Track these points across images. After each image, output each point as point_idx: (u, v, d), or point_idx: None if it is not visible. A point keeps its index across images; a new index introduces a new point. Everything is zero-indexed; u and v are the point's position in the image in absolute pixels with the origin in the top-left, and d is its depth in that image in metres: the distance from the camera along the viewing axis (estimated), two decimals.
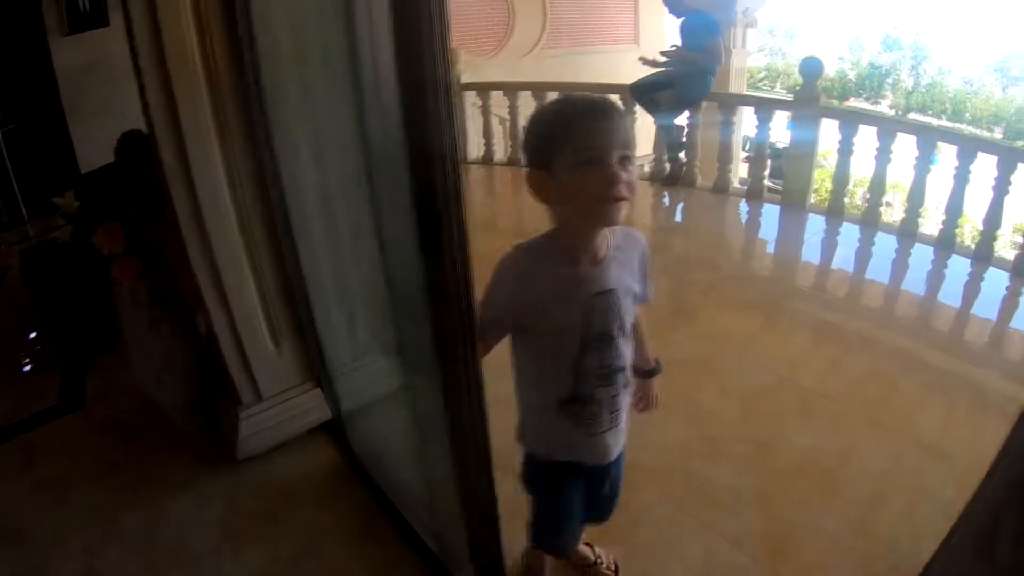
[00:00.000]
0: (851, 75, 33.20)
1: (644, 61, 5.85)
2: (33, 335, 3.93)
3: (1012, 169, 4.47)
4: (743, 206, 5.87)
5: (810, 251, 5.11)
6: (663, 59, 5.67)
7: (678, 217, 5.92)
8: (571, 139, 1.25)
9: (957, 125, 26.10)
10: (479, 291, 1.35)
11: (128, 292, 2.49)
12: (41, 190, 7.54)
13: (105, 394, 3.23)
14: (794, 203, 5.61)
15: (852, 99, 31.83)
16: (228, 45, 2.08)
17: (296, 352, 2.53)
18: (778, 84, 34.78)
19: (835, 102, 28.29)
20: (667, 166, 6.30)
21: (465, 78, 7.70)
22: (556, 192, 1.30)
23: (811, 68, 5.36)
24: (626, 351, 1.50)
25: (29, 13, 7.09)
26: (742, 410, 2.87)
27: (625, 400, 1.57)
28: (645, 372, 1.75)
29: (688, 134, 6.11)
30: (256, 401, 2.49)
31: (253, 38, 2.02)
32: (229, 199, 2.19)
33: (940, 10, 49.46)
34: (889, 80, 31.85)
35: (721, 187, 5.97)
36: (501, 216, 6.16)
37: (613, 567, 2.02)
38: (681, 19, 5.63)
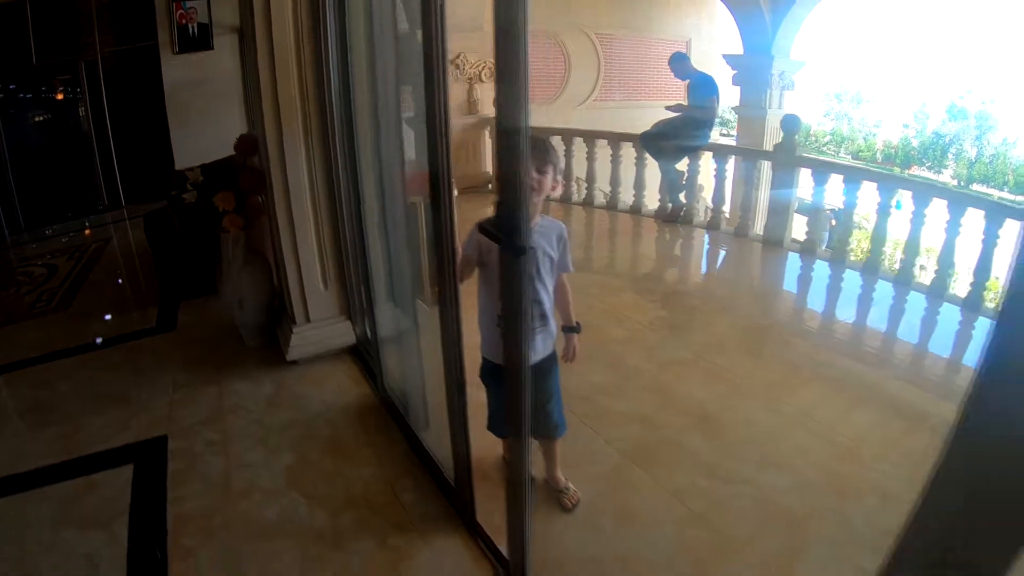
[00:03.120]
0: (915, 143, 33.23)
1: (667, 108, 7.03)
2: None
3: None
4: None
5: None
6: (670, 113, 6.89)
7: (677, 250, 6.93)
8: None
9: (1019, 198, 26.09)
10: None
11: (232, 239, 3.81)
12: (138, 182, 9.17)
13: (194, 323, 4.67)
14: (772, 243, 6.46)
15: (915, 167, 31.83)
16: (315, 85, 3.40)
17: (337, 292, 3.81)
18: (842, 149, 35.17)
19: (897, 170, 28.32)
20: (669, 206, 7.35)
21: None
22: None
23: (790, 124, 6.36)
24: (541, 291, 2.33)
25: (147, 31, 8.68)
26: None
27: (537, 325, 2.35)
28: (568, 328, 2.58)
29: (688, 179, 7.17)
30: (306, 322, 3.78)
31: (344, 83, 3.28)
32: (307, 182, 3.50)
33: (1009, 80, 48.57)
34: (952, 150, 31.83)
35: (741, 232, 6.80)
36: None
37: (576, 499, 2.67)
38: (687, 80, 6.86)
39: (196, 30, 8.80)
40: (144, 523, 2.70)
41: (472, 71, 9.41)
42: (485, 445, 2.74)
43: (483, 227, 2.06)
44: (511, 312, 1.87)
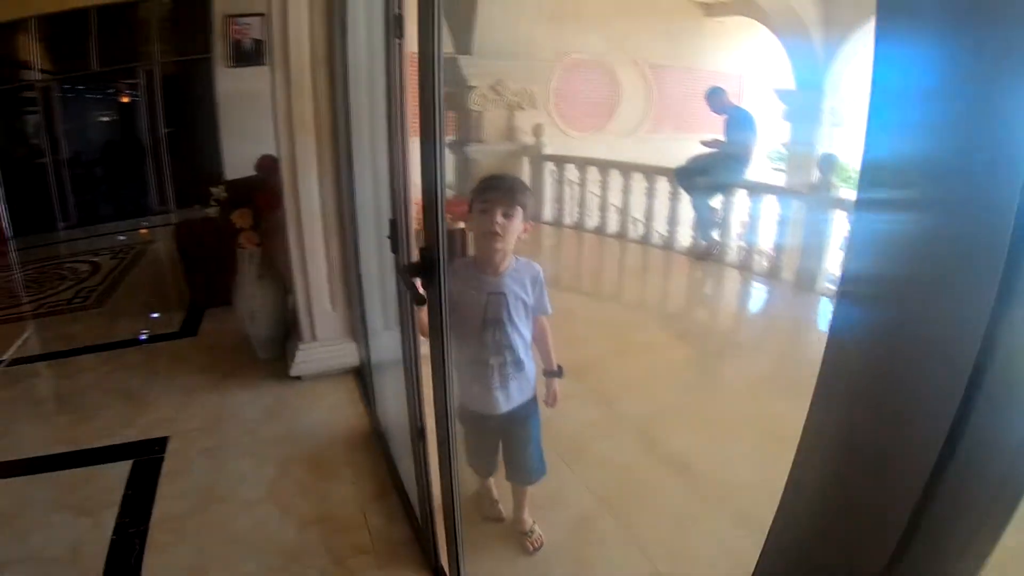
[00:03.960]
0: None
1: (702, 142, 7.05)
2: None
3: None
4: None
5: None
6: (705, 148, 6.90)
7: (705, 289, 6.94)
8: (479, 194, 2.18)
9: None
10: None
11: (247, 254, 3.99)
12: (188, 188, 9.58)
13: (214, 331, 4.89)
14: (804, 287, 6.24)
15: None
16: (329, 112, 3.57)
17: (343, 314, 3.94)
18: None
19: None
20: (701, 243, 7.31)
21: (548, 150, 9.07)
22: (470, 224, 2.26)
23: (828, 163, 6.10)
24: (514, 337, 2.27)
25: (204, 44, 9.10)
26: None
27: (511, 372, 2.31)
28: (548, 373, 2.52)
29: (721, 216, 7.11)
30: (312, 340, 3.92)
31: (346, 109, 3.44)
32: (317, 205, 3.66)
33: None
34: None
35: (773, 273, 6.60)
36: (547, 266, 7.32)
37: (539, 543, 2.63)
38: (724, 115, 6.87)
39: (250, 44, 9.20)
40: (130, 516, 2.89)
41: (512, 98, 9.39)
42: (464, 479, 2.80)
43: (399, 269, 2.04)
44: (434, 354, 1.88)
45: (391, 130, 1.76)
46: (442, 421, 1.96)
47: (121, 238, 8.91)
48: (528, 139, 9.19)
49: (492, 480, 2.83)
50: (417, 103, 1.66)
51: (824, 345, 0.69)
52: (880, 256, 0.62)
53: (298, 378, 3.95)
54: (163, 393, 3.97)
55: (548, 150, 9.03)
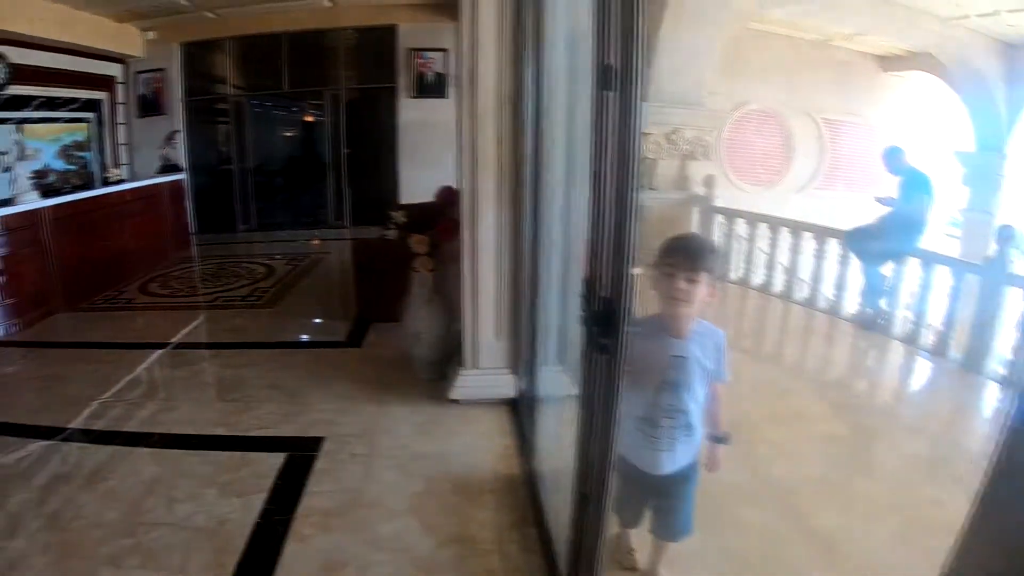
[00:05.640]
0: None
1: (877, 200, 6.83)
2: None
3: None
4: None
5: None
6: (879, 207, 6.66)
7: (868, 360, 6.49)
8: (664, 256, 2.17)
9: None
10: None
11: (420, 278, 4.25)
12: (363, 207, 10.24)
13: (378, 345, 5.21)
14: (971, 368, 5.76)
15: None
16: (512, 151, 3.76)
17: (507, 346, 4.08)
18: None
19: None
20: (867, 311, 6.87)
21: (718, 202, 8.93)
22: (654, 286, 2.22)
23: (1005, 235, 5.72)
24: (689, 402, 2.24)
25: (388, 74, 9.97)
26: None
27: (680, 435, 2.28)
28: (713, 437, 2.48)
29: (890, 284, 6.70)
30: (473, 368, 4.10)
31: (535, 152, 3.61)
32: (494, 238, 3.85)
33: None
34: None
35: (939, 351, 6.10)
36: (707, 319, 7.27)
37: None
38: (899, 177, 6.59)
39: (433, 77, 9.83)
40: (278, 504, 3.15)
41: (686, 147, 9.19)
42: None
43: (584, 318, 1.94)
44: (593, 408, 1.88)
45: (598, 182, 1.79)
46: (602, 475, 1.96)
47: (295, 246, 9.61)
48: (699, 190, 9.09)
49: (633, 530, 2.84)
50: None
51: (992, 435, 0.67)
52: None
53: (455, 401, 4.12)
54: (323, 396, 4.28)
55: (718, 202, 8.93)
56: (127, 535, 2.94)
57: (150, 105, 10.18)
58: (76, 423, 4.03)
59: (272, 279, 7.41)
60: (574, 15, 2.96)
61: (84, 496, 3.25)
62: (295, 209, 11.00)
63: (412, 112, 9.96)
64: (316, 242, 9.92)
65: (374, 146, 10.38)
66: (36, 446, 3.77)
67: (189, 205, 10.05)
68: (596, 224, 1.81)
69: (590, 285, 1.86)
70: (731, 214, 8.59)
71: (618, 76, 1.68)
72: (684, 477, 2.42)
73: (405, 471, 3.46)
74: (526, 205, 3.72)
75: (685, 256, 2.15)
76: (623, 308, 1.73)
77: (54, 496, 3.27)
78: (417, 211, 4.62)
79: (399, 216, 4.28)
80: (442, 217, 4.14)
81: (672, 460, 2.33)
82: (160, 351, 5.26)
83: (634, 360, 1.91)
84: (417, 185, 9.35)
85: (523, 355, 3.96)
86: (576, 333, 3.20)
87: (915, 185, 6.44)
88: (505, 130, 3.76)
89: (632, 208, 1.70)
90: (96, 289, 6.99)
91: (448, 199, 4.15)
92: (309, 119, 11.10)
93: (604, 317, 1.79)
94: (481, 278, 3.92)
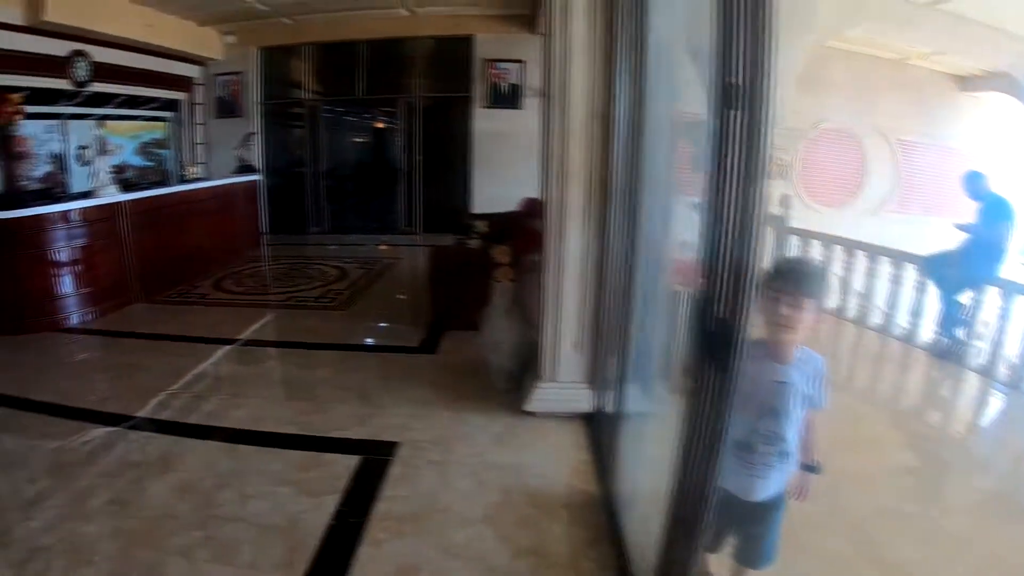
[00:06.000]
0: None
1: (956, 227, 6.61)
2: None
3: None
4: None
5: None
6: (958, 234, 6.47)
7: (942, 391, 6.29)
8: (770, 280, 2.14)
9: None
10: None
11: (501, 288, 4.28)
12: (435, 214, 10.37)
13: (452, 353, 5.22)
14: None
15: None
16: (602, 164, 3.74)
17: (586, 359, 4.06)
18: None
19: None
20: (943, 341, 6.72)
21: (793, 223, 8.81)
22: (759, 310, 2.12)
23: None
24: (788, 429, 2.21)
25: (463, 83, 10.14)
26: None
27: (776, 462, 2.25)
28: (804, 466, 2.42)
29: (968, 314, 6.52)
30: (551, 380, 4.09)
31: (630, 164, 3.58)
32: (579, 251, 3.84)
33: None
34: None
35: (1014, 384, 5.96)
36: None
37: None
38: (979, 202, 6.41)
39: (508, 88, 9.91)
40: (352, 506, 3.18)
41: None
42: None
43: (701, 340, 1.88)
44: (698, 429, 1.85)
45: (717, 201, 1.76)
46: (700, 499, 1.94)
47: (365, 250, 9.76)
48: (775, 210, 8.97)
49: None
50: None
51: None
52: None
53: (530, 413, 4.11)
54: (397, 401, 4.31)
55: (793, 223, 8.79)
56: (198, 527, 3.01)
57: (227, 107, 10.50)
58: (147, 412, 4.17)
59: (345, 282, 7.52)
60: (686, 30, 2.95)
61: (156, 486, 3.34)
62: (366, 214, 11.15)
63: (485, 122, 10.08)
64: (383, 247, 10.07)
65: (446, 154, 10.51)
66: (110, 432, 3.91)
67: (263, 206, 10.27)
68: (714, 244, 1.79)
69: (704, 304, 1.84)
70: (806, 236, 8.45)
71: (745, 95, 1.67)
72: (774, 505, 2.38)
73: (480, 480, 3.46)
74: (614, 219, 3.70)
75: (791, 281, 2.13)
76: (740, 330, 1.72)
77: (126, 484, 3.37)
78: (494, 221, 4.64)
79: (481, 225, 4.29)
80: (523, 228, 4.15)
81: (765, 487, 2.30)
82: (232, 347, 5.40)
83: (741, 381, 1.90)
84: (488, 194, 9.55)
85: (604, 370, 3.92)
86: (670, 351, 3.22)
87: (996, 211, 6.28)
88: (595, 144, 3.75)
89: (756, 231, 1.68)
90: (171, 283, 7.22)
91: (531, 210, 4.15)
92: (382, 125, 11.26)
93: (719, 338, 1.77)
94: (564, 291, 3.91)
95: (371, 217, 11.09)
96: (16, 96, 6.20)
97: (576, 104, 3.72)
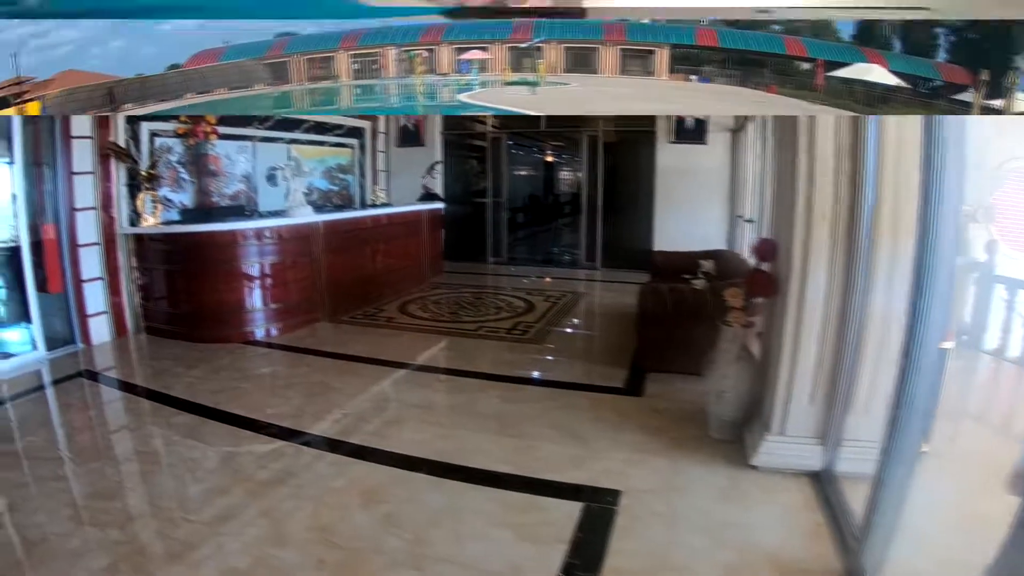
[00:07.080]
0: None
1: None
2: None
3: None
4: None
5: None
6: None
7: None
8: None
9: None
10: None
11: (731, 333, 4.04)
12: (616, 250, 10.32)
13: (661, 396, 4.98)
14: None
15: None
16: (850, 204, 3.47)
17: (819, 413, 3.76)
18: None
19: None
20: None
21: (998, 271, 8.15)
22: None
23: None
24: None
25: (649, 118, 10.03)
26: None
27: None
28: None
29: None
30: (779, 434, 3.80)
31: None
32: (822, 296, 3.57)
33: None
34: None
35: None
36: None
37: None
38: None
39: (694, 123, 9.74)
40: (582, 560, 2.99)
41: (967, 207, 8.57)
42: None
43: None
44: None
45: None
46: None
47: (547, 283, 9.75)
48: (980, 256, 8.35)
49: None
50: None
51: None
52: None
53: (753, 467, 3.86)
54: (609, 444, 4.14)
55: (998, 271, 8.15)
56: (412, 567, 2.92)
57: (410, 136, 10.86)
58: (344, 435, 4.23)
59: (533, 314, 7.50)
60: None
61: (360, 516, 3.31)
62: (545, 246, 11.25)
63: (669, 157, 9.89)
64: (564, 280, 10.01)
65: (629, 190, 10.41)
66: (305, 451, 3.99)
67: (442, 234, 10.52)
68: None
69: None
70: (1014, 284, 7.78)
71: None
72: None
73: (713, 537, 3.23)
74: (861, 264, 3.44)
75: None
76: None
77: (327, 510, 3.36)
78: (721, 261, 4.46)
79: (708, 265, 4.11)
80: (755, 270, 3.93)
81: None
82: (425, 373, 5.44)
83: None
84: (672, 232, 9.30)
85: (841, 427, 3.64)
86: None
87: None
88: (843, 183, 3.49)
89: None
90: (356, 304, 7.49)
91: (767, 253, 3.93)
92: (562, 159, 11.36)
93: None
94: (803, 337, 3.63)
95: (550, 250, 11.16)
96: (212, 117, 6.65)
97: (824, 141, 3.49)
